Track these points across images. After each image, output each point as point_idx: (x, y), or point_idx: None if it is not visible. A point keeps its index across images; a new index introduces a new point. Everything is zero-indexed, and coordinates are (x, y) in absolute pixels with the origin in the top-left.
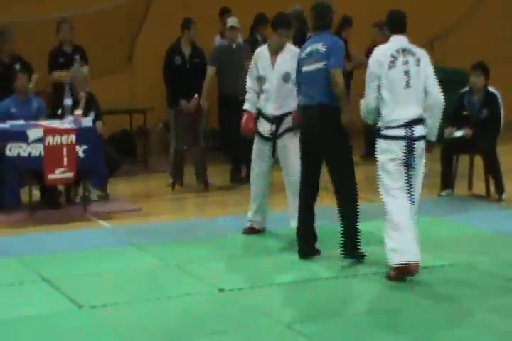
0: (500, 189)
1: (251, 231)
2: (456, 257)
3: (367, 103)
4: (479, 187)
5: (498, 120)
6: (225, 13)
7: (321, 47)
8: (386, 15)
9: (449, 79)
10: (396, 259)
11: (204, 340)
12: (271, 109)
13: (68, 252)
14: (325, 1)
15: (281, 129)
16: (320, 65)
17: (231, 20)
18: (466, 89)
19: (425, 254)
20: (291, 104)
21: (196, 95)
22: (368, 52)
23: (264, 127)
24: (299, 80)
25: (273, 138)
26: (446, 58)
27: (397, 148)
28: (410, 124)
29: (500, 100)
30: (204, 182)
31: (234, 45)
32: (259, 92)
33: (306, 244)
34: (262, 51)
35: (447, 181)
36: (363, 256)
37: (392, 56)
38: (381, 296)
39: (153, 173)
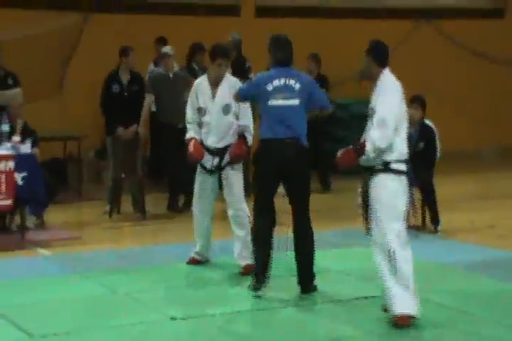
0: (436, 220)
1: (195, 262)
2: None
3: (389, 137)
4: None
5: (434, 152)
6: (160, 41)
7: (294, 83)
8: (372, 47)
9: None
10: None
11: None
12: (212, 142)
13: (11, 281)
14: (284, 35)
15: (224, 162)
16: (295, 101)
17: (166, 48)
18: None
19: (370, 285)
20: (233, 136)
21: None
22: None
23: (207, 160)
24: (264, 113)
25: (217, 171)
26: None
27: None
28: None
29: (436, 133)
30: (142, 210)
31: (171, 74)
32: (200, 124)
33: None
34: (202, 82)
35: None
36: (315, 289)
37: None
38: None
39: (87, 201)
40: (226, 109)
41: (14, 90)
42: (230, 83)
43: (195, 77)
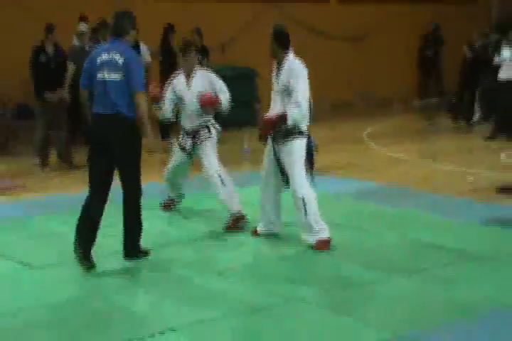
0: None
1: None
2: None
3: (304, 115)
4: None
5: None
6: (81, 19)
7: (118, 58)
8: (275, 33)
9: (237, 74)
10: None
11: None
12: (188, 123)
13: None
14: (126, 9)
15: (198, 139)
16: (117, 76)
17: (81, 26)
18: None
19: None
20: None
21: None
22: None
23: (185, 141)
24: (94, 87)
25: (192, 150)
26: (236, 59)
27: None
28: None
29: None
30: (68, 161)
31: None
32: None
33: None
34: (178, 74)
35: None
36: (147, 253)
37: None
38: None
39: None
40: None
41: None
42: (201, 73)
43: None
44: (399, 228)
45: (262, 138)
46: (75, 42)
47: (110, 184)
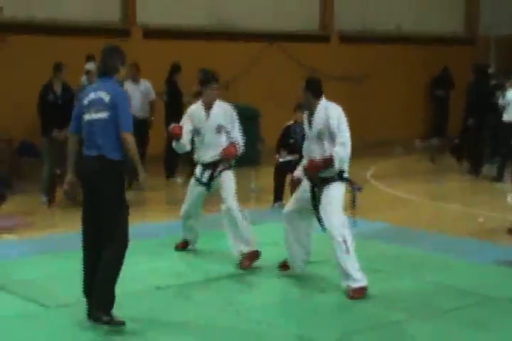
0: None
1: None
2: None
3: (349, 154)
4: None
5: None
6: (88, 59)
7: (104, 95)
8: (308, 82)
9: (241, 114)
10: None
11: None
12: (206, 157)
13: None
14: (113, 44)
15: (216, 172)
16: (104, 114)
17: (88, 66)
18: (292, 122)
19: None
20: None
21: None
22: None
23: (201, 173)
24: (81, 129)
25: (208, 182)
26: (239, 96)
27: None
28: None
29: None
30: (75, 199)
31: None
32: (197, 142)
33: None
34: (197, 106)
35: (279, 195)
36: (122, 323)
37: None
38: None
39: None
40: (218, 129)
41: None
42: (221, 105)
43: None
44: (415, 270)
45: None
46: (84, 81)
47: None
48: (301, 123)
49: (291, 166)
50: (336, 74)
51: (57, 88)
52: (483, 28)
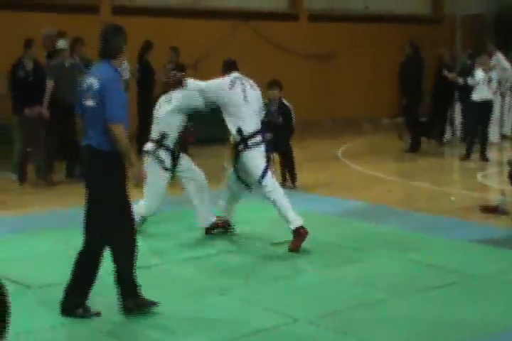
0: (294, 179)
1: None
2: None
3: None
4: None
5: (291, 125)
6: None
7: (95, 82)
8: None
9: None
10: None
11: None
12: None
13: None
14: (115, 23)
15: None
16: (91, 102)
17: (60, 43)
18: (265, 101)
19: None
20: None
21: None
22: None
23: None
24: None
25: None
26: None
27: None
28: None
29: (291, 109)
30: (45, 177)
31: (66, 63)
32: None
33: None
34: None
35: None
36: (153, 303)
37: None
38: None
39: None
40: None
41: None
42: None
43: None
44: (393, 248)
45: None
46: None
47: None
48: (274, 102)
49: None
50: (305, 53)
51: (28, 65)
52: (448, 7)
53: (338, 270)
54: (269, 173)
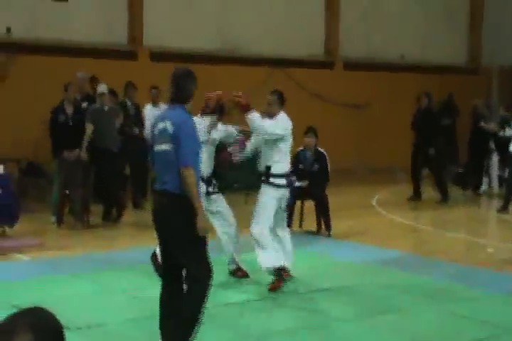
0: (329, 227)
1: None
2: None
3: None
4: (308, 226)
5: (326, 172)
6: (93, 81)
7: (169, 125)
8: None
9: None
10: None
11: None
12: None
13: (11, 282)
14: (186, 68)
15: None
16: (167, 146)
17: (101, 88)
18: (301, 148)
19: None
20: None
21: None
22: None
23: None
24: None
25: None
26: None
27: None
28: None
29: (327, 157)
30: (84, 220)
31: (106, 107)
32: None
33: None
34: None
35: (288, 221)
36: None
37: None
38: None
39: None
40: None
41: None
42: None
43: (127, 110)
44: (432, 299)
45: None
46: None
47: (179, 269)
48: (311, 149)
49: (301, 192)
50: (339, 101)
51: (69, 109)
52: (485, 58)
53: (377, 320)
54: (267, 224)
